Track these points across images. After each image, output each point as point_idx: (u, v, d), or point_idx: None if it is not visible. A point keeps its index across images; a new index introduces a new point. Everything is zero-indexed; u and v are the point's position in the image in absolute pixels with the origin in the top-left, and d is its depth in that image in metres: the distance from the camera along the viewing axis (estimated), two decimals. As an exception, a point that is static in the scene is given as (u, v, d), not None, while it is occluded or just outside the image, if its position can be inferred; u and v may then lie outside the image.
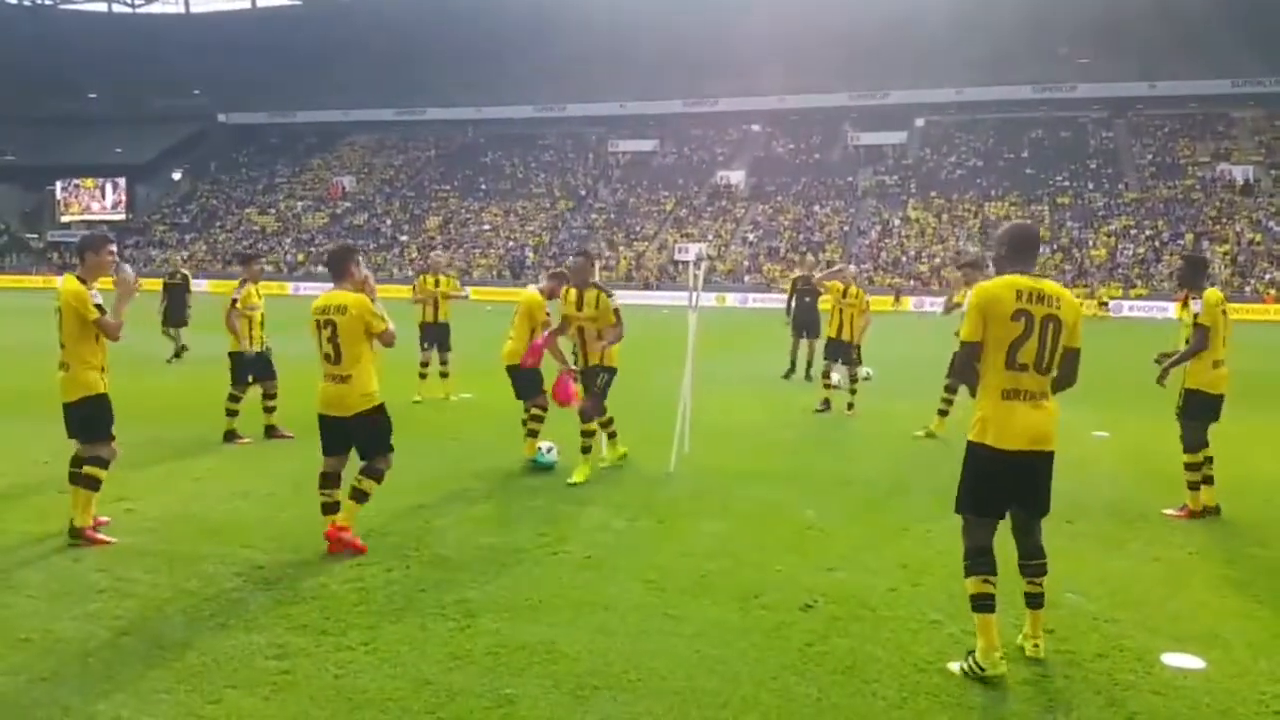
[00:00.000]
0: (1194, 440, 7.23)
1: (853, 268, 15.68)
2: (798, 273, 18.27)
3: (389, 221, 71.15)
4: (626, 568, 5.88)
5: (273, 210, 75.43)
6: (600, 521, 6.99)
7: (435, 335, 12.99)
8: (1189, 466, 7.27)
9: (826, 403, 12.71)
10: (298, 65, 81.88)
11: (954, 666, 4.49)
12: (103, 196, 78.95)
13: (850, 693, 4.25)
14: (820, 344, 15.38)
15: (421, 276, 13.55)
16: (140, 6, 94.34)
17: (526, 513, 7.16)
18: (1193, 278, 7.33)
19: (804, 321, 15.76)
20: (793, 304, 15.96)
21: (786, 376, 15.96)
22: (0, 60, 79.34)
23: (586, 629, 4.92)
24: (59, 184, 78.87)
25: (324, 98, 79.91)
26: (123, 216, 77.89)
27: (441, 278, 13.40)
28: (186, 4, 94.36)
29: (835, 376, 13.02)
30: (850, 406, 12.49)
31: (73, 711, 3.98)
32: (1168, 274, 51.36)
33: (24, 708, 4.00)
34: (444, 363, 13.04)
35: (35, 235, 77.41)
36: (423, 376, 12.89)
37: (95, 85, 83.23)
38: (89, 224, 77.52)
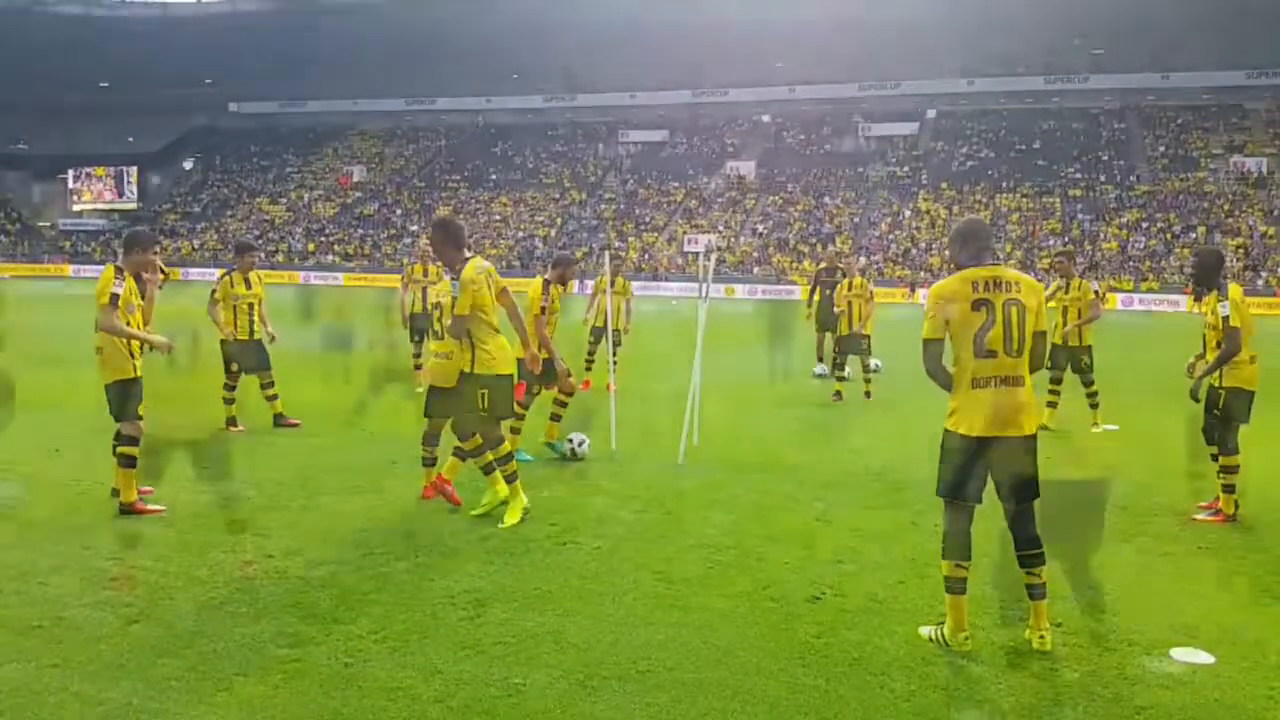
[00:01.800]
0: (1235, 441, 7.03)
1: (862, 259, 15.64)
2: (820, 264, 17.79)
3: (399, 211, 71.22)
4: (635, 559, 5.89)
5: (284, 200, 75.58)
6: (609, 512, 7.00)
7: (425, 325, 12.86)
8: (1228, 469, 7.03)
9: (839, 394, 12.81)
10: (308, 55, 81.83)
11: (925, 631, 4.78)
12: (115, 186, 79.17)
13: (858, 685, 4.26)
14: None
15: (409, 265, 13.45)
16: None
17: (535, 503, 7.15)
18: (1209, 273, 7.13)
19: (827, 315, 14.92)
20: (815, 297, 15.49)
21: (819, 376, 15.06)
22: (12, 51, 79.47)
23: (595, 619, 4.93)
24: (71, 173, 79.10)
25: (334, 88, 79.85)
26: (134, 205, 78.11)
27: (431, 266, 13.03)
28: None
29: (848, 369, 13.14)
30: (868, 395, 12.60)
31: (83, 698, 4.00)
32: (1179, 267, 51.14)
33: (35, 694, 4.03)
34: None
35: (48, 224, 77.70)
36: (418, 368, 12.78)
37: (107, 75, 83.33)
38: (101, 213, 78.06)
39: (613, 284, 13.49)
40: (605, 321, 13.23)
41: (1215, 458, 7.18)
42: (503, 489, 6.69)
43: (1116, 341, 21.45)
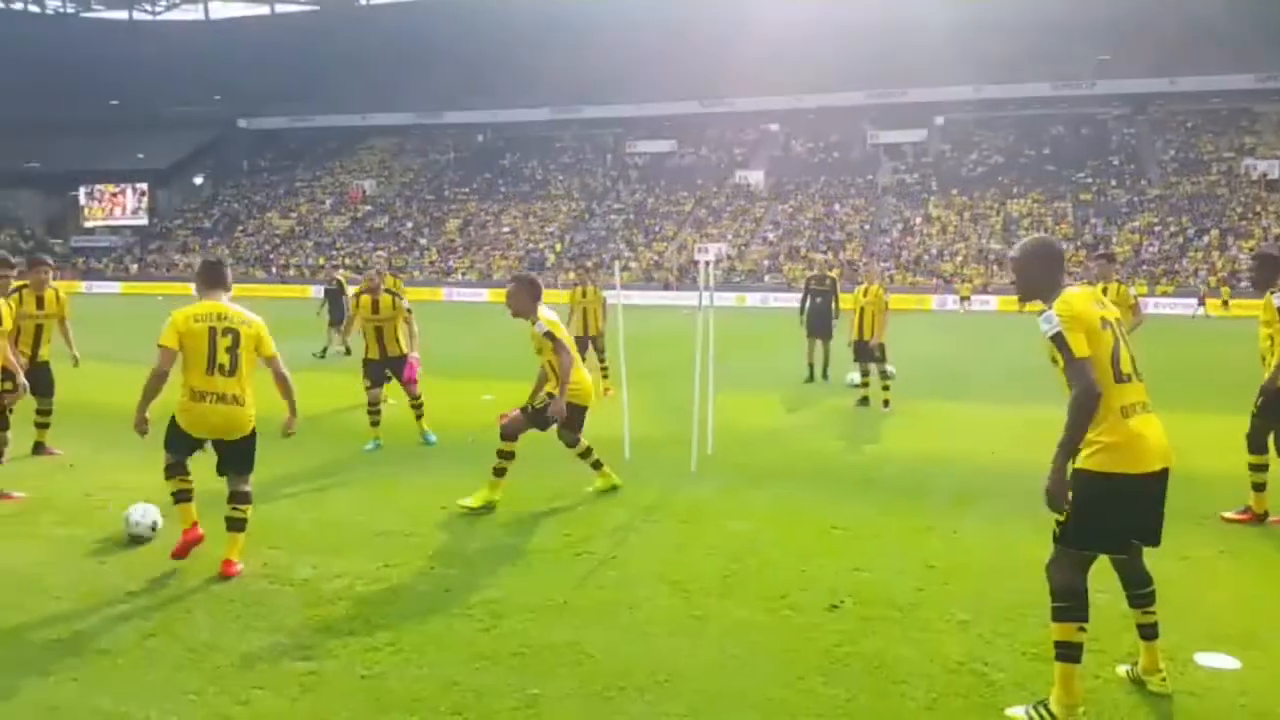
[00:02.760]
0: None
1: (878, 266, 15.62)
2: (809, 272, 17.99)
3: (409, 225, 71.44)
4: (651, 568, 5.85)
5: (294, 214, 75.91)
6: (624, 521, 6.97)
7: None
8: None
9: (865, 399, 12.89)
10: (316, 70, 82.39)
11: (1017, 711, 4.08)
12: (126, 202, 79.69)
13: (879, 694, 4.21)
14: (833, 345, 15.36)
15: (366, 278, 13.39)
16: (161, 14, 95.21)
17: (550, 513, 7.16)
18: (1268, 275, 6.98)
19: (815, 322, 15.54)
20: (805, 304, 15.76)
21: (809, 381, 15.43)
22: (24, 68, 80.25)
23: (612, 629, 4.90)
24: (82, 190, 79.66)
25: (343, 102, 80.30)
26: (145, 222, 78.61)
27: (387, 278, 13.18)
28: (206, 10, 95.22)
29: (855, 376, 13.20)
30: (885, 404, 12.51)
31: (103, 713, 4.00)
32: (1193, 270, 50.98)
33: (55, 709, 4.03)
34: None
35: (60, 241, 78.21)
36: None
37: (117, 92, 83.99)
38: (113, 229, 78.53)
39: (584, 295, 14.13)
40: (584, 330, 13.73)
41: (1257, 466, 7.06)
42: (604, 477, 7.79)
43: (1137, 343, 21.36)
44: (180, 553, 5.79)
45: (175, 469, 5.88)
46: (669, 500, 7.61)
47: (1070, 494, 3.92)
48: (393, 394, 12.96)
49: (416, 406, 10.00)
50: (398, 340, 9.96)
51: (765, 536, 6.61)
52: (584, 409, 7.48)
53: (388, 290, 10.02)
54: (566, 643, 4.71)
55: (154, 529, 6.30)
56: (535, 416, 7.29)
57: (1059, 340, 3.92)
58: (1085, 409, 3.84)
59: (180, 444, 5.85)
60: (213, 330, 5.66)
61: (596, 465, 7.77)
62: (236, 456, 5.82)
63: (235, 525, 5.81)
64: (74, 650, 4.62)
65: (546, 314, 7.31)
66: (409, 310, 10.04)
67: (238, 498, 5.84)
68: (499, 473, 7.25)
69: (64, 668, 4.42)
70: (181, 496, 5.87)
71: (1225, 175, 58.75)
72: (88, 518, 6.92)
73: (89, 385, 12.98)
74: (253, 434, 5.85)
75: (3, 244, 62.04)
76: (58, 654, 4.58)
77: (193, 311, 5.70)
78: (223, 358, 5.65)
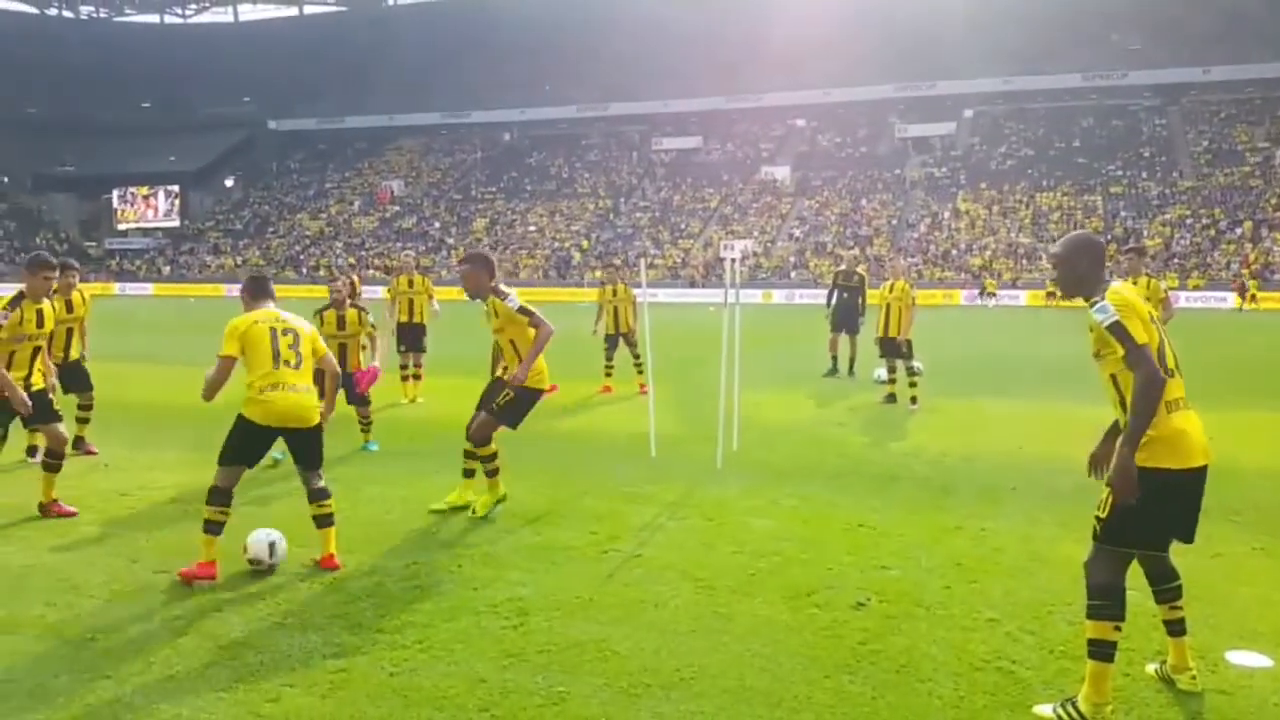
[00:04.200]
0: None
1: (903, 261, 15.59)
2: (838, 268, 17.98)
3: (437, 224, 71.81)
4: (676, 566, 5.86)
5: (324, 215, 76.50)
6: (649, 519, 6.98)
7: (410, 336, 12.95)
8: None
9: (891, 396, 12.87)
10: (345, 71, 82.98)
11: (1044, 709, 4.06)
12: (158, 204, 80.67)
13: (905, 692, 4.20)
14: (859, 340, 15.35)
15: (396, 278, 13.49)
16: (191, 16, 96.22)
17: (575, 511, 7.18)
18: None
19: (843, 317, 15.54)
20: (832, 299, 15.75)
21: (829, 374, 15.53)
22: (57, 72, 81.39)
23: (637, 627, 4.92)
24: (115, 192, 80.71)
25: (371, 102, 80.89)
26: (177, 223, 79.54)
27: (416, 277, 13.29)
28: (235, 13, 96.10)
29: (882, 372, 13.21)
30: (913, 400, 12.42)
31: (134, 709, 4.06)
32: (1225, 264, 50.28)
33: (89, 706, 4.09)
34: (417, 364, 13.02)
35: (94, 243, 79.28)
36: (404, 379, 12.93)
37: (148, 95, 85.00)
38: (146, 231, 79.53)
39: (614, 293, 14.35)
40: (615, 328, 13.87)
41: None
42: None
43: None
44: (186, 578, 5.58)
45: (219, 496, 5.65)
46: (694, 497, 7.62)
47: (1114, 488, 3.84)
48: (422, 392, 13.09)
49: (365, 424, 9.59)
50: (359, 356, 9.49)
51: (790, 534, 6.60)
52: (540, 393, 7.16)
53: (354, 305, 9.50)
54: (592, 640, 4.73)
55: (256, 562, 5.81)
56: (501, 414, 7.04)
57: (1118, 329, 3.81)
58: (1152, 395, 3.75)
59: (244, 452, 5.79)
60: (273, 330, 5.82)
61: (492, 473, 7.10)
62: (308, 448, 5.91)
63: (324, 522, 5.93)
64: (107, 648, 4.69)
65: (510, 290, 7.07)
66: (374, 327, 9.55)
67: (317, 495, 5.93)
68: (491, 474, 7.07)
69: (97, 665, 4.48)
70: (213, 528, 5.63)
71: (1259, 166, 57.89)
72: (122, 517, 7.02)
73: (125, 385, 13.19)
74: (320, 425, 5.96)
75: (39, 247, 62.94)
76: (91, 651, 4.65)
77: (252, 317, 5.85)
78: (287, 354, 5.78)
